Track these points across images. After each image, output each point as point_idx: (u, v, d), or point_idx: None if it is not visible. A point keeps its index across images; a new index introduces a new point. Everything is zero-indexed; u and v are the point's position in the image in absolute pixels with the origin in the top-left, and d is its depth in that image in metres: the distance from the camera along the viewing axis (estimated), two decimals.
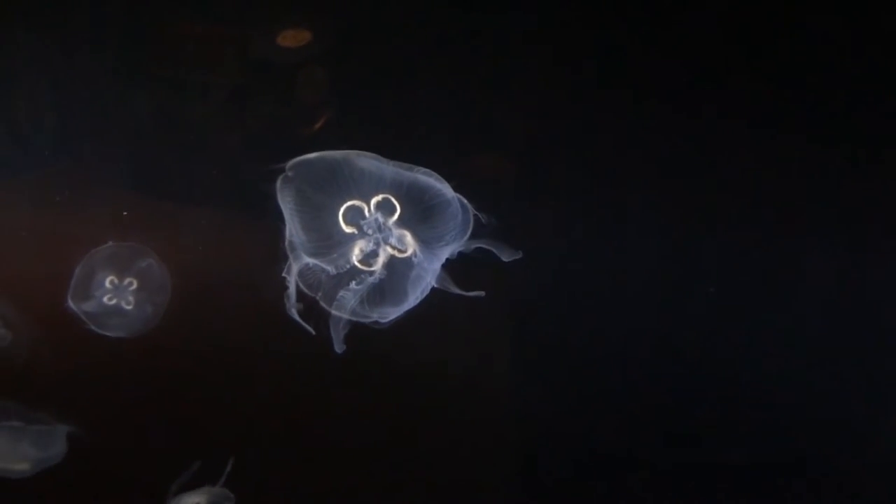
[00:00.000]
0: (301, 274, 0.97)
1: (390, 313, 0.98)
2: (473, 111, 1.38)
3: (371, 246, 0.93)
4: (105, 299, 1.35)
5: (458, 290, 1.03)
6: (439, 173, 1.23)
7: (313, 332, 1.07)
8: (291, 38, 1.32)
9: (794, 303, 1.49)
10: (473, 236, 1.03)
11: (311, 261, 0.96)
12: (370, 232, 0.94)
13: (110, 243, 1.34)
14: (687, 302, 1.48)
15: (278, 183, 0.94)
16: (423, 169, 0.99)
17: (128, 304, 1.37)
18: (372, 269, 0.94)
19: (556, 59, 1.38)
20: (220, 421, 1.44)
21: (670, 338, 1.47)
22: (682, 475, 1.50)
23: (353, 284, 0.96)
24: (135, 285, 1.37)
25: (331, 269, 0.94)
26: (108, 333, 1.35)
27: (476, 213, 0.99)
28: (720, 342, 1.48)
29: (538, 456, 1.53)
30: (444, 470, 1.47)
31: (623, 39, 1.38)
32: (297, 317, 1.05)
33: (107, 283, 1.36)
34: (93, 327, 1.35)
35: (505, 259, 1.07)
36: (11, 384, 1.37)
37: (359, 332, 1.31)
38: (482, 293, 1.09)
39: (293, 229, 0.95)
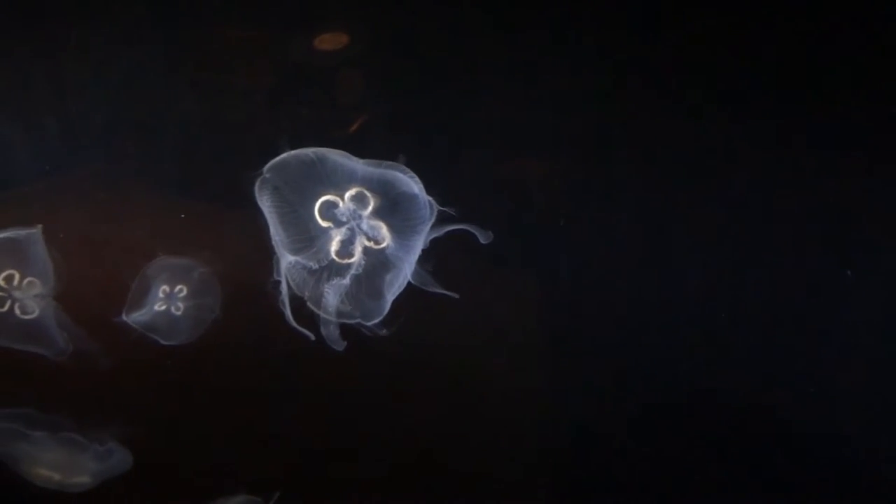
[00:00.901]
0: (287, 273, 1.00)
1: (372, 310, 0.99)
2: (510, 113, 1.39)
3: (346, 233, 0.95)
4: (157, 307, 1.41)
5: (435, 287, 1.05)
6: (476, 174, 1.32)
7: (312, 337, 1.10)
8: (329, 42, 1.35)
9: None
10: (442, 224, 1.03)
11: (293, 258, 0.99)
12: (345, 220, 0.97)
13: (163, 256, 1.39)
14: (732, 302, 1.43)
15: (257, 184, 0.99)
16: (390, 163, 1.03)
17: (177, 310, 1.41)
18: (350, 260, 0.96)
19: (601, 60, 1.39)
20: (275, 424, 1.48)
21: (709, 336, 1.43)
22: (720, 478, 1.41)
23: (333, 280, 0.98)
24: (185, 292, 1.41)
25: (312, 264, 0.97)
26: (160, 341, 1.41)
27: (437, 204, 1.00)
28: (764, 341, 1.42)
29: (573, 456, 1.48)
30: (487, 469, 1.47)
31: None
32: (293, 321, 1.08)
33: (160, 293, 1.41)
34: (156, 338, 1.41)
35: (482, 241, 1.07)
36: (71, 396, 1.47)
37: (404, 336, 1.34)
38: (456, 295, 1.10)
39: (274, 228, 1.00)
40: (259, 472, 1.51)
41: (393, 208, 0.98)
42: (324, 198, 0.96)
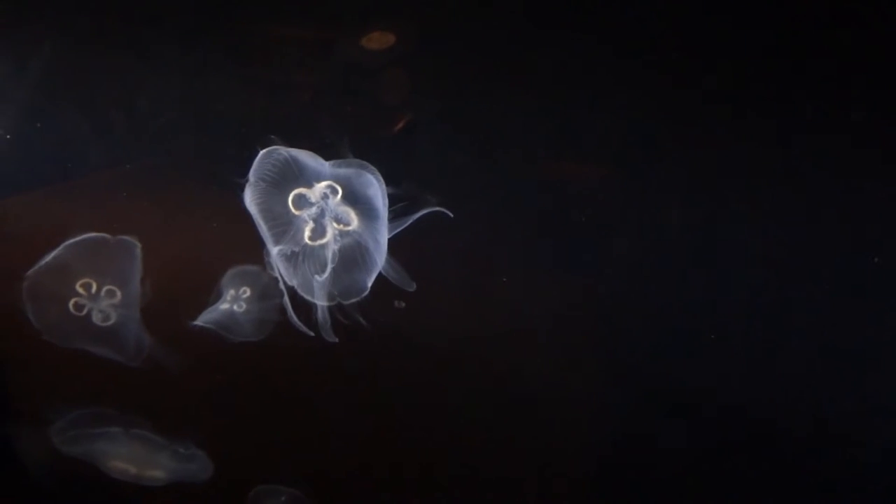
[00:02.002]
0: (276, 265, 1.11)
1: (350, 288, 1.06)
2: (556, 114, 1.36)
3: (316, 212, 1.06)
4: (222, 307, 1.48)
5: (399, 276, 1.11)
6: (522, 175, 1.34)
7: (312, 334, 1.17)
8: (376, 41, 1.37)
9: None
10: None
11: (277, 248, 1.08)
12: (314, 207, 1.07)
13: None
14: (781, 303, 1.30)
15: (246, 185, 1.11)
16: (354, 160, 1.13)
17: (239, 308, 1.47)
18: (323, 240, 1.06)
19: (640, 62, 1.33)
20: (326, 424, 1.51)
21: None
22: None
23: (312, 260, 1.08)
24: (248, 293, 1.47)
25: (292, 248, 1.06)
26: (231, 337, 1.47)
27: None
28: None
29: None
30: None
31: None
32: (295, 318, 1.12)
33: (227, 296, 1.47)
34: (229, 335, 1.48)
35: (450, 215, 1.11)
36: (147, 397, 1.56)
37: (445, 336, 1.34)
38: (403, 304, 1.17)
39: (257, 221, 1.09)
40: (312, 469, 1.54)
41: (356, 197, 1.08)
42: (296, 191, 1.06)
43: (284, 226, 1.08)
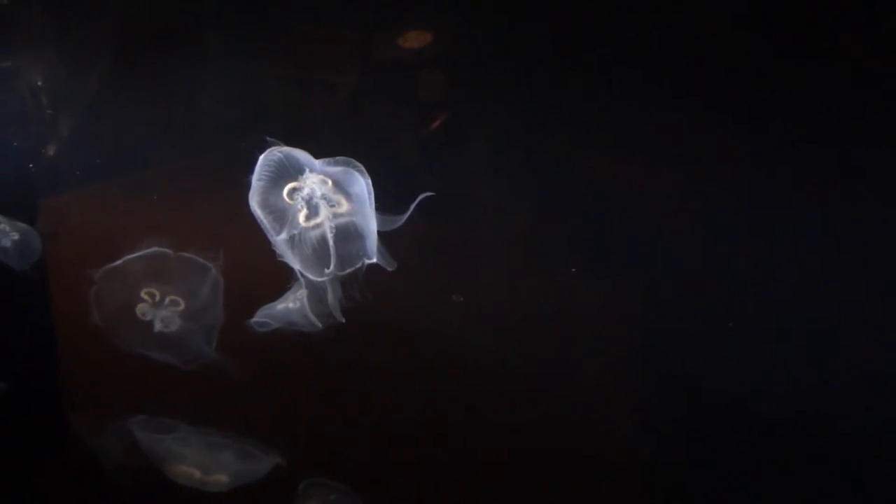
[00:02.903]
0: (283, 254, 1.19)
1: (345, 260, 1.18)
2: (590, 114, 1.31)
3: (308, 193, 1.16)
4: (278, 306, 1.48)
5: (386, 261, 1.19)
6: (558, 173, 1.33)
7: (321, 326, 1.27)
8: (413, 40, 1.38)
9: None
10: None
11: (279, 238, 1.18)
12: (307, 192, 1.17)
13: None
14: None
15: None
16: (342, 158, 1.20)
17: (294, 305, 1.46)
18: (318, 220, 1.16)
19: (688, 59, 1.24)
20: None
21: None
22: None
23: (310, 242, 1.18)
24: (305, 294, 1.44)
25: (290, 233, 1.17)
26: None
27: None
28: None
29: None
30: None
31: None
32: (309, 311, 1.26)
33: (289, 296, 1.46)
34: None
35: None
36: (211, 397, 1.58)
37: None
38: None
39: (259, 218, 1.18)
40: (361, 463, 1.53)
41: (344, 189, 1.19)
42: (290, 184, 1.17)
43: (283, 216, 1.17)
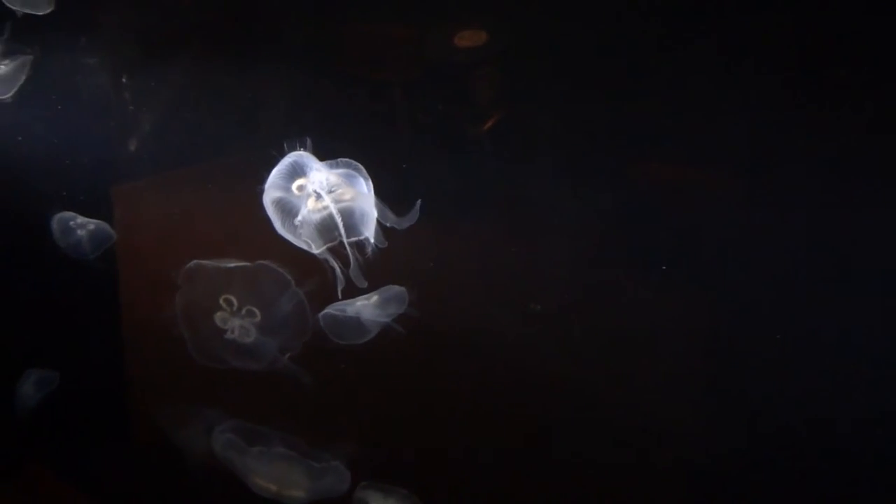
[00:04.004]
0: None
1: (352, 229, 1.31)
2: (661, 115, 1.25)
3: (315, 186, 1.31)
4: (350, 312, 1.48)
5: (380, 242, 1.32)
6: (609, 173, 1.31)
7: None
8: (468, 39, 1.38)
9: None
10: None
11: (295, 221, 1.32)
12: (312, 185, 1.31)
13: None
14: None
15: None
16: (344, 160, 1.32)
17: (366, 313, 1.47)
18: (324, 204, 1.30)
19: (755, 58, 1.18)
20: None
21: None
22: None
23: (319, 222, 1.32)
24: (376, 297, 1.47)
25: (301, 219, 1.32)
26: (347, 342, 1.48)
27: None
28: None
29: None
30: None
31: None
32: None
33: (357, 304, 1.48)
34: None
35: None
36: (283, 409, 1.60)
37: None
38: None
39: (272, 216, 1.35)
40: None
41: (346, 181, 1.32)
42: (298, 182, 1.32)
43: (293, 210, 1.32)
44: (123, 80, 1.78)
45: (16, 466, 2.13)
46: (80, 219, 1.86)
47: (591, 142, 1.31)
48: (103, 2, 1.79)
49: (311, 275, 1.49)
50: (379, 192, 1.36)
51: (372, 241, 1.31)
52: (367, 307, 1.46)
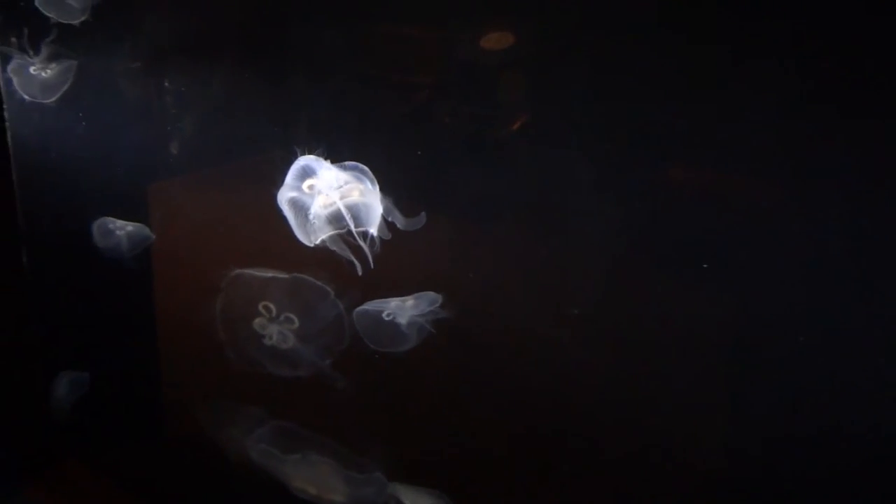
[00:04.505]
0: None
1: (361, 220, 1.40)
2: (691, 117, 1.24)
3: (324, 186, 1.40)
4: (385, 316, 1.50)
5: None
6: (640, 175, 1.29)
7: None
8: (495, 41, 1.37)
9: None
10: None
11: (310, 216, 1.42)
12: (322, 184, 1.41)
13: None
14: None
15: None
16: (351, 163, 1.41)
17: (403, 320, 1.48)
18: (333, 200, 1.40)
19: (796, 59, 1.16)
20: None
21: None
22: None
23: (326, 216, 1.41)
24: (412, 302, 1.48)
25: (314, 215, 1.41)
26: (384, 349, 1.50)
27: None
28: None
29: None
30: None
31: None
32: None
33: (391, 305, 1.50)
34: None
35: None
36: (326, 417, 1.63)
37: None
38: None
39: (287, 215, 1.44)
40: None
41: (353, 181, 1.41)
42: (308, 181, 1.41)
43: (306, 208, 1.41)
44: (165, 83, 1.80)
45: (51, 461, 2.17)
46: (119, 222, 1.89)
47: (621, 143, 1.29)
48: (146, 8, 1.82)
49: (350, 283, 1.51)
50: (405, 194, 1.41)
51: (376, 234, 1.40)
52: (401, 308, 1.48)
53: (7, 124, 1.99)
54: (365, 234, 1.39)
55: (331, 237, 1.40)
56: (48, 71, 1.83)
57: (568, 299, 1.38)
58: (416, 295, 1.47)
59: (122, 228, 1.90)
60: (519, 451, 1.52)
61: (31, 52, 1.83)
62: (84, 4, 1.75)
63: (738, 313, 1.27)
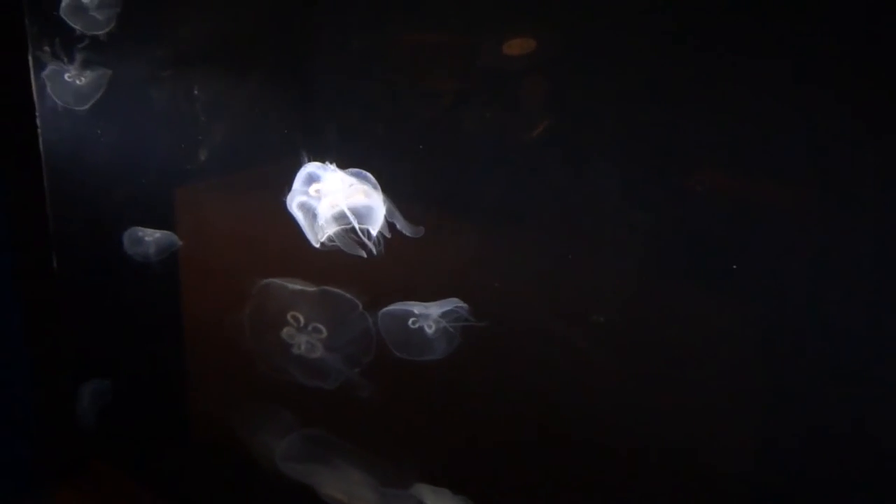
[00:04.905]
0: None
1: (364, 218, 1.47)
2: (706, 124, 1.24)
3: (329, 189, 1.48)
4: (411, 324, 1.50)
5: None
6: (666, 183, 1.29)
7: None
8: (518, 47, 1.37)
9: None
10: None
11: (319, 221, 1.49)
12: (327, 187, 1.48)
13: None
14: None
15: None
16: (353, 169, 1.46)
17: (429, 328, 1.49)
18: (337, 203, 1.47)
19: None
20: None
21: None
22: None
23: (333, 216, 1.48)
24: (437, 309, 1.48)
25: (321, 215, 1.48)
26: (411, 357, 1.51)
27: None
28: None
29: None
30: None
31: None
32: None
33: (416, 311, 1.50)
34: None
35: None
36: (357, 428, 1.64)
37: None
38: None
39: (297, 218, 1.51)
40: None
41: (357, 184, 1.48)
42: (314, 186, 1.48)
43: (313, 211, 1.49)
44: (195, 91, 1.81)
45: (82, 465, 2.20)
46: (148, 230, 1.91)
47: (647, 151, 1.29)
48: (176, 16, 1.83)
49: (378, 292, 1.52)
50: (425, 198, 1.47)
51: (375, 234, 1.46)
52: (426, 315, 1.49)
53: (39, 130, 2.01)
54: (369, 234, 1.45)
55: (337, 233, 1.47)
56: (82, 78, 1.85)
57: (594, 306, 1.37)
58: (441, 301, 1.47)
59: (151, 235, 1.92)
60: (544, 459, 1.52)
61: (66, 59, 1.85)
62: (108, 15, 1.77)
63: (769, 322, 1.26)
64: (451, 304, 1.47)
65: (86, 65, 1.84)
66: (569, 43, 1.33)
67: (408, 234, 1.45)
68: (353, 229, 1.46)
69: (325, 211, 1.46)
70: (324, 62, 1.62)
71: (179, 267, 1.97)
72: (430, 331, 1.49)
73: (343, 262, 1.49)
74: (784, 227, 1.20)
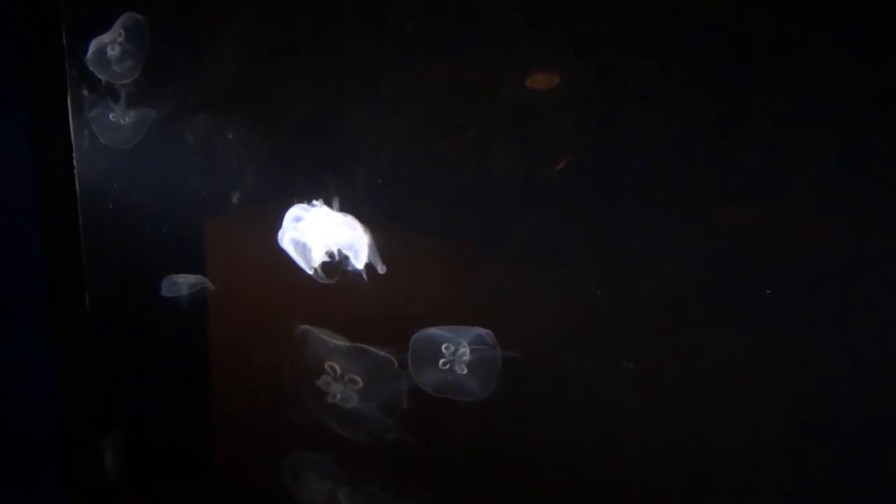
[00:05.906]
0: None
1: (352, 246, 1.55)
2: (734, 160, 1.24)
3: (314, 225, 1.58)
4: (441, 366, 1.51)
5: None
6: (695, 219, 1.28)
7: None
8: (541, 82, 1.38)
9: None
10: None
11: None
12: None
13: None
14: None
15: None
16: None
17: (461, 370, 1.49)
18: (323, 238, 1.57)
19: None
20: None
21: None
22: None
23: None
24: (467, 355, 1.49)
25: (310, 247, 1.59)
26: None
27: None
28: None
29: None
30: None
31: None
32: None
33: (444, 350, 1.50)
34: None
35: None
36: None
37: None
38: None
39: (291, 253, 1.61)
40: None
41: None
42: (301, 223, 1.60)
43: (303, 244, 1.59)
44: (230, 136, 1.84)
45: (112, 498, 2.21)
46: (182, 276, 1.94)
47: (675, 186, 1.29)
48: (212, 64, 1.85)
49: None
50: (446, 233, 1.51)
51: (360, 269, 1.53)
52: (455, 353, 1.49)
53: (76, 171, 2.03)
54: (352, 267, 1.53)
55: (323, 264, 1.57)
56: (126, 118, 1.88)
57: (625, 352, 1.38)
58: (469, 338, 1.48)
59: (185, 279, 1.94)
60: (577, 499, 1.53)
61: (112, 101, 1.88)
62: (125, 69, 1.80)
63: (800, 365, 1.26)
64: (480, 340, 1.47)
65: (131, 104, 1.87)
66: (595, 78, 1.34)
67: (379, 271, 1.50)
68: (340, 262, 1.54)
69: (313, 243, 1.57)
70: (357, 100, 1.62)
71: (209, 308, 1.99)
72: (460, 370, 1.49)
73: (374, 303, 1.53)
74: (817, 268, 1.21)
